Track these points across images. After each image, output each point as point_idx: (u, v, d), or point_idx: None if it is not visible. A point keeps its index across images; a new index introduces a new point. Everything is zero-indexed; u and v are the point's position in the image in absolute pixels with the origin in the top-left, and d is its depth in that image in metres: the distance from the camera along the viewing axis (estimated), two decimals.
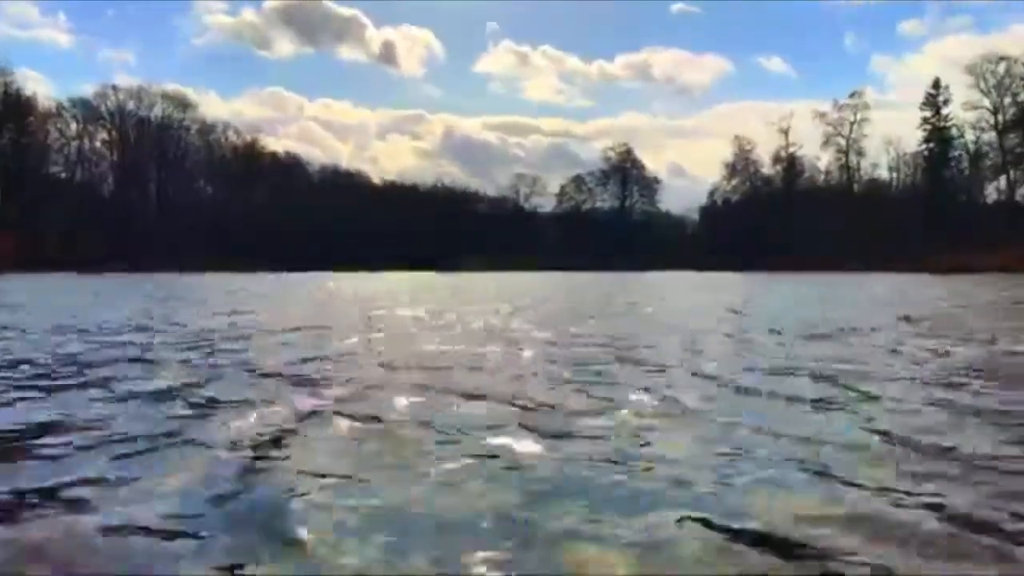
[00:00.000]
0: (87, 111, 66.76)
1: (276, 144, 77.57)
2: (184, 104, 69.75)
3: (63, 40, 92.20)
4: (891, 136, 68.22)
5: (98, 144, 68.04)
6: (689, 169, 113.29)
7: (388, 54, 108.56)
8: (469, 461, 2.29)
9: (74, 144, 66.93)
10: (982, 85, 60.76)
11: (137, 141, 67.62)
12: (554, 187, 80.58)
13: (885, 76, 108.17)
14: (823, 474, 2.14)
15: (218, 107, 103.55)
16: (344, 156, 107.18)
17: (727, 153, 74.25)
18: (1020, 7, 79.99)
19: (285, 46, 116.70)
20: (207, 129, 71.44)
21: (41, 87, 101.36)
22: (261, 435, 2.64)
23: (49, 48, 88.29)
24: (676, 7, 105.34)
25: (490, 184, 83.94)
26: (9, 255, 45.01)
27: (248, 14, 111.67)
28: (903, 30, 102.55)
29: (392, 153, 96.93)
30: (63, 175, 66.42)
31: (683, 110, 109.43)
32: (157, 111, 68.73)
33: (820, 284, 23.71)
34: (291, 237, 61.65)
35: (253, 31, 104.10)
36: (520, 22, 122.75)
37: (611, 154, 79.01)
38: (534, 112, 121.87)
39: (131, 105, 67.78)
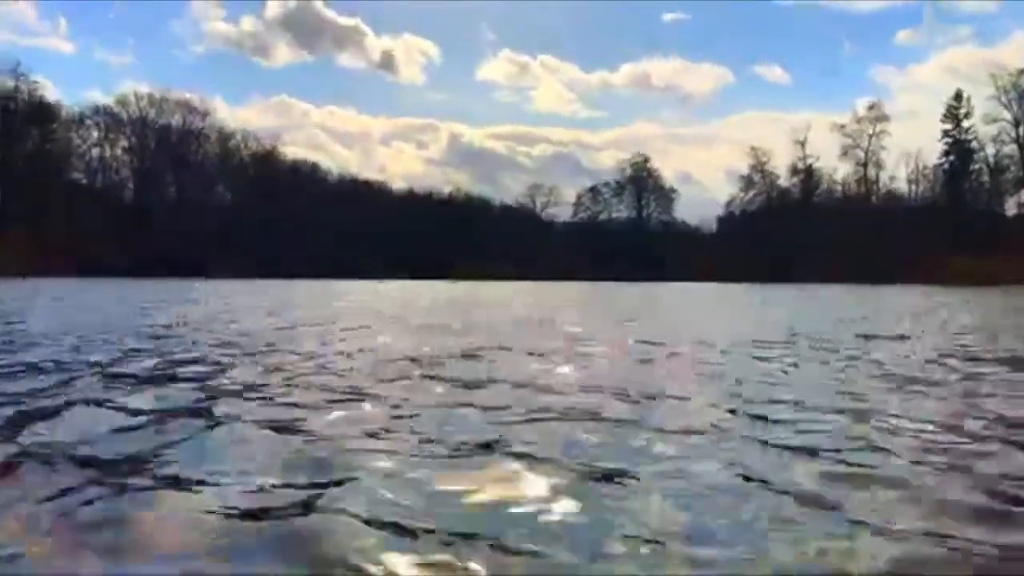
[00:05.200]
0: (109, 118, 67.39)
1: (285, 151, 77.47)
2: (203, 112, 70.35)
3: (63, 46, 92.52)
4: (909, 148, 68.10)
5: (119, 151, 68.67)
6: (695, 176, 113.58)
7: (388, 62, 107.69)
8: None
9: (95, 151, 67.60)
10: (1003, 98, 60.55)
11: (158, 148, 68.08)
12: (564, 196, 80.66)
13: (886, 86, 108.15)
14: None
15: (224, 114, 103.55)
16: (351, 164, 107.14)
17: (735, 161, 74.11)
18: (1017, 13, 78.98)
19: (284, 54, 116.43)
20: (225, 136, 71.95)
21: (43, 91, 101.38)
22: None
23: (49, 53, 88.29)
24: (669, 16, 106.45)
25: (498, 193, 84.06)
26: (23, 259, 45.16)
27: (247, 22, 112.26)
28: (901, 39, 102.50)
29: (398, 161, 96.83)
30: (83, 181, 66.98)
31: (685, 118, 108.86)
32: (177, 119, 69.35)
33: (811, 299, 23.66)
34: (309, 245, 61.81)
35: (252, 38, 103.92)
36: (517, 32, 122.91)
37: (626, 166, 78.99)
38: (540, 121, 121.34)
39: (152, 113, 68.41)
